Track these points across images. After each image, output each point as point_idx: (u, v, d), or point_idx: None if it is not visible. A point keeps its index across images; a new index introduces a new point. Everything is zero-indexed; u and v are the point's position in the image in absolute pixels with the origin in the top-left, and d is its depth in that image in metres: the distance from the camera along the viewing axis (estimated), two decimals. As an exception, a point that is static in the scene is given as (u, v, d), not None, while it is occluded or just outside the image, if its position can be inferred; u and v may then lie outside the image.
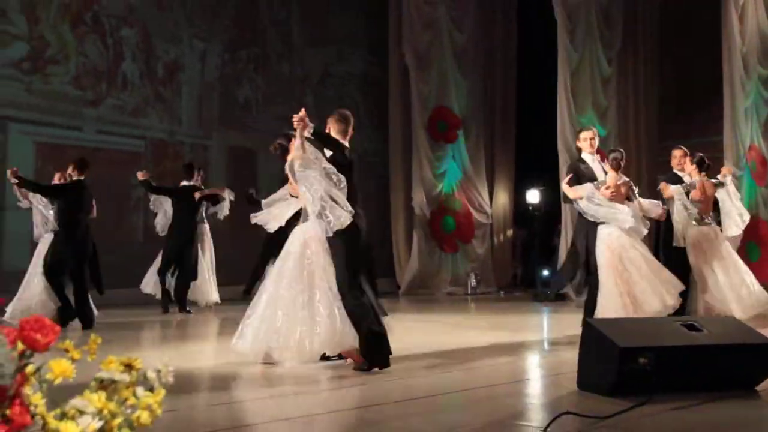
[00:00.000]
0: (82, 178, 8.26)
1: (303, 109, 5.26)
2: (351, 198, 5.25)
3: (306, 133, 5.19)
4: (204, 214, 10.45)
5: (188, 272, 9.93)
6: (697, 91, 14.31)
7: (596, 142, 7.49)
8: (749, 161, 11.98)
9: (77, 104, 11.74)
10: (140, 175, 9.82)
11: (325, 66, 14.91)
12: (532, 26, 15.15)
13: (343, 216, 5.13)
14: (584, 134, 7.62)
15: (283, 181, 6.02)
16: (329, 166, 5.24)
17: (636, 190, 7.22)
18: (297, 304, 5.12)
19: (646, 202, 7.22)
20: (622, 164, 7.22)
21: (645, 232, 7.09)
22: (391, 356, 5.09)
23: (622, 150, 7.46)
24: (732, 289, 7.93)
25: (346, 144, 5.50)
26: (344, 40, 15.15)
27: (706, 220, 8.05)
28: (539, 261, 14.74)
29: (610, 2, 14.12)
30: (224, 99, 13.51)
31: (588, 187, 7.10)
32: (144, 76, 12.54)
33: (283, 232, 11.36)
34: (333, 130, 5.53)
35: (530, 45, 15.36)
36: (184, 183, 10.27)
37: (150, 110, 12.59)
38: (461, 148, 14.99)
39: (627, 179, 7.22)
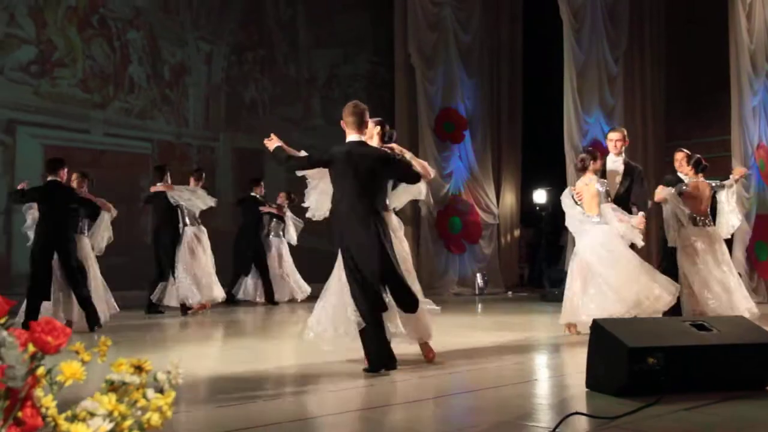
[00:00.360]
0: (56, 179, 8.04)
1: (271, 134, 5.47)
2: (342, 195, 5.22)
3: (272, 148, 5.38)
4: (194, 217, 10.14)
5: (163, 273, 9.94)
6: (704, 89, 14.28)
7: (621, 143, 7.49)
8: (757, 160, 11.95)
9: (84, 107, 11.79)
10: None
11: (331, 67, 14.93)
12: (537, 26, 15.15)
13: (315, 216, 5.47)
14: (610, 135, 7.66)
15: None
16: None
17: (605, 193, 7.20)
18: (339, 293, 5.28)
19: (614, 216, 7.07)
20: (587, 165, 7.24)
21: (620, 231, 7.03)
22: (395, 360, 5.10)
23: (591, 149, 7.55)
24: (720, 291, 7.87)
25: (360, 138, 5.33)
26: (350, 41, 15.17)
27: (701, 221, 7.98)
28: (546, 261, 14.71)
29: (615, 1, 14.10)
30: (231, 101, 13.54)
31: (566, 191, 7.29)
32: (151, 79, 12.59)
33: (253, 243, 11.41)
34: (347, 124, 5.34)
35: (536, 44, 15.36)
36: (158, 185, 10.19)
37: (157, 112, 12.64)
38: (468, 148, 14.99)
39: (602, 181, 7.26)
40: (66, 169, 8.20)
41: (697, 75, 14.54)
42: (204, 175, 10.55)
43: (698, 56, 14.49)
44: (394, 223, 5.54)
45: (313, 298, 10.73)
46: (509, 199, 16.01)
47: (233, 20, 13.71)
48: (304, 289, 11.82)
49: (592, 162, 7.24)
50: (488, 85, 15.54)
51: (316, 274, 13.18)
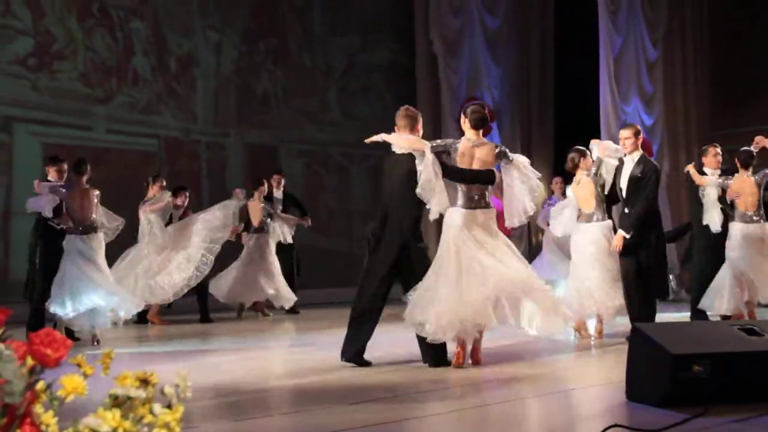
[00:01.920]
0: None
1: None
2: None
3: None
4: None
5: None
6: (753, 74, 14.09)
7: (632, 141, 7.41)
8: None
9: (86, 102, 11.85)
10: None
11: (348, 56, 14.92)
12: (570, 7, 15.04)
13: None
14: (620, 132, 7.69)
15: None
16: None
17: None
18: None
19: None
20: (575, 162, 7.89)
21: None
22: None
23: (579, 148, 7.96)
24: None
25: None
26: (368, 28, 15.15)
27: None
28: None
29: (654, -22, 14.01)
30: (242, 94, 13.56)
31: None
32: (156, 71, 12.64)
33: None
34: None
35: (569, 28, 15.24)
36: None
37: (163, 107, 12.69)
38: (495, 141, 14.92)
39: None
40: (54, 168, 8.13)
41: (746, 58, 14.31)
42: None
43: (747, 37, 14.27)
44: None
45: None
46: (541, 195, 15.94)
47: (243, 7, 13.73)
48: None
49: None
50: (517, 73, 15.44)
51: (332, 278, 13.03)
